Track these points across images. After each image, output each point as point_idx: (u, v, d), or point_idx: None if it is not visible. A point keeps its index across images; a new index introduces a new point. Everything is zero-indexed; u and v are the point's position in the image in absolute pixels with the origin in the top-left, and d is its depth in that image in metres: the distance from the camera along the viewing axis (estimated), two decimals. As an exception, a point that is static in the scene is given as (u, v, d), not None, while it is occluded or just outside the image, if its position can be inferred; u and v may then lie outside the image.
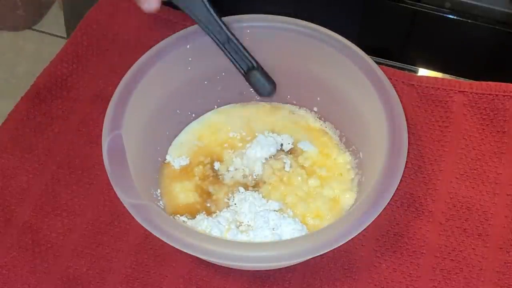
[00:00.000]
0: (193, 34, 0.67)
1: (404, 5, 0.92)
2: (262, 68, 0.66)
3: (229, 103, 0.74)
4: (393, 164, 0.56)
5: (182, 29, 0.68)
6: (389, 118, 0.59)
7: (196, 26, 0.67)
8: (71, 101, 0.78)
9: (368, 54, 0.65)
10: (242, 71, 0.66)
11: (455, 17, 0.91)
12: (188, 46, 0.66)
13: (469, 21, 0.92)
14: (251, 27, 0.67)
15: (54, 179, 0.71)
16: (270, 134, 0.71)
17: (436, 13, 0.92)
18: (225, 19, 0.66)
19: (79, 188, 0.71)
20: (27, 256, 0.66)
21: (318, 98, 0.71)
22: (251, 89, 0.73)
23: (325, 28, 0.65)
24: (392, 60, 0.81)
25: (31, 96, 0.78)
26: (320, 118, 0.72)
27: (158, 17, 0.83)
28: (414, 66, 0.81)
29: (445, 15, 0.92)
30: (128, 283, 0.64)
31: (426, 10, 0.92)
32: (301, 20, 0.66)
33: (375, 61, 0.65)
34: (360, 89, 0.63)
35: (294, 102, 0.74)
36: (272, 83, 0.67)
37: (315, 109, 0.73)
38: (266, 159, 0.68)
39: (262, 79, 0.66)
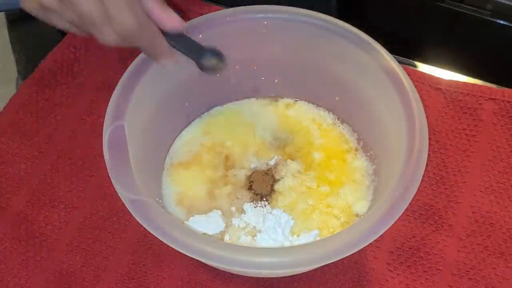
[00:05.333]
0: (205, 22, 0.67)
1: (445, 5, 0.92)
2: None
3: (242, 98, 0.74)
4: (410, 172, 0.55)
5: (194, 17, 0.68)
6: (409, 123, 0.58)
7: (210, 14, 0.67)
8: (76, 87, 0.79)
9: (398, 55, 0.65)
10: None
11: (494, 20, 0.90)
12: (200, 36, 0.66)
13: (508, 24, 0.91)
14: (268, 19, 0.67)
15: (53, 169, 0.72)
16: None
17: (475, 14, 0.91)
18: (241, 8, 0.67)
19: (79, 180, 0.71)
20: (20, 248, 0.67)
21: (337, 98, 0.71)
22: (267, 85, 0.73)
23: (346, 23, 0.65)
24: (422, 62, 0.80)
25: (34, 80, 0.79)
26: (337, 119, 0.72)
27: (170, 5, 0.83)
28: (445, 69, 0.80)
29: (484, 17, 0.91)
30: (123, 282, 0.64)
31: (465, 12, 0.91)
32: (320, 13, 0.66)
33: (403, 62, 0.64)
34: (380, 90, 0.62)
35: (311, 101, 0.73)
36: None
37: (333, 109, 0.72)
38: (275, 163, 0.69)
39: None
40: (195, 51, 0.60)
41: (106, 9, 0.50)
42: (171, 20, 0.57)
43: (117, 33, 0.52)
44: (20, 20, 0.93)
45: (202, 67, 0.61)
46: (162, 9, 0.56)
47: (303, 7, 0.66)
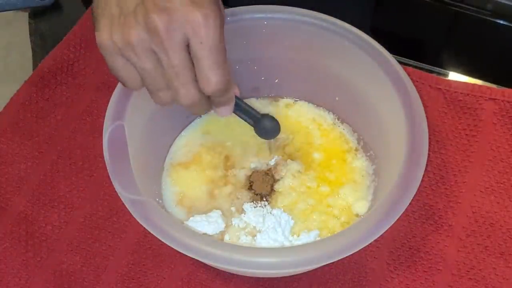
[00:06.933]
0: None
1: (445, 5, 0.92)
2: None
3: (242, 98, 0.74)
4: (410, 172, 0.55)
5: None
6: (409, 122, 0.58)
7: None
8: (76, 87, 0.79)
9: (398, 55, 0.64)
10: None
11: (494, 20, 0.90)
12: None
13: (508, 24, 0.91)
14: (268, 19, 0.67)
15: (53, 169, 0.72)
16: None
17: (475, 14, 0.91)
18: (241, 8, 0.67)
19: (79, 180, 0.71)
20: (20, 248, 0.67)
21: (337, 98, 0.71)
22: (267, 85, 0.73)
23: (346, 23, 0.65)
24: (422, 62, 0.80)
25: (34, 80, 0.79)
26: (337, 119, 0.72)
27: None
28: (445, 69, 0.80)
29: (484, 17, 0.91)
30: (123, 282, 0.64)
31: (466, 12, 0.91)
32: (320, 13, 0.66)
33: (403, 62, 0.64)
34: (380, 90, 0.63)
35: (311, 101, 0.73)
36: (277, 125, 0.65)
37: (333, 109, 0.72)
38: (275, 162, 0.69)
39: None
40: (253, 116, 0.63)
41: (201, 66, 0.49)
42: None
43: (205, 90, 0.51)
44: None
45: (260, 134, 0.64)
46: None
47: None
